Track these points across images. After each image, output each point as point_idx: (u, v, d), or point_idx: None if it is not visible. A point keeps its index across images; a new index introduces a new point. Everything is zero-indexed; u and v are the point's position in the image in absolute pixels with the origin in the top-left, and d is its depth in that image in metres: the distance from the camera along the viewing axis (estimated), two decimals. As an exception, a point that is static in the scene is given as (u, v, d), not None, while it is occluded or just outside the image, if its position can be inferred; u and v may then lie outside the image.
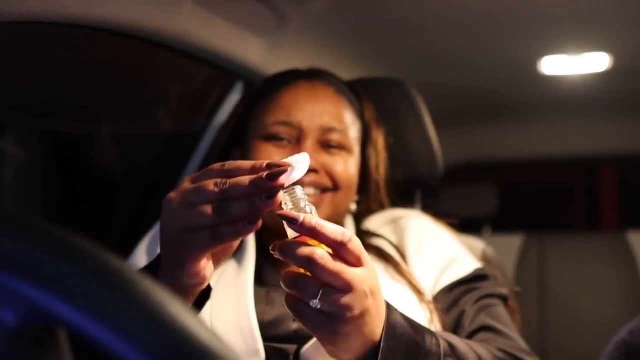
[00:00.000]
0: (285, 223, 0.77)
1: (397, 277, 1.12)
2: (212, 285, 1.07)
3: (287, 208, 0.80)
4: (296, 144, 1.17)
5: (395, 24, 1.74)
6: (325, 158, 1.17)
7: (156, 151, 2.06)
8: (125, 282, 0.40)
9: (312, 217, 0.77)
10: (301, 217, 0.76)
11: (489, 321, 1.09)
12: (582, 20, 1.78)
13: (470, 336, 1.08)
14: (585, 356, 1.78)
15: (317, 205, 1.13)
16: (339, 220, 1.21)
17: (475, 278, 1.17)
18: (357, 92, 1.29)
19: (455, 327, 1.11)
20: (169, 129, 2.10)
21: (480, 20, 1.75)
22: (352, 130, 1.21)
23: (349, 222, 1.24)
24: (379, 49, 1.92)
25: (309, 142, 1.16)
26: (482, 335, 1.08)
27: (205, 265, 0.79)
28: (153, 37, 1.31)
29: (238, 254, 1.14)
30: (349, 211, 1.25)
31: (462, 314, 1.11)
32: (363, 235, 1.21)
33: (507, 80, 2.29)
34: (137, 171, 2.01)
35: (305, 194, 0.81)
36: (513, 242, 2.75)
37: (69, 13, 1.10)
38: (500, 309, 1.15)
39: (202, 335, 0.39)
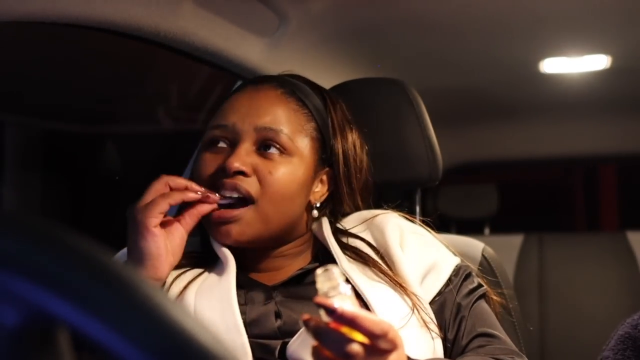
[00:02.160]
0: (321, 310, 0.79)
1: (376, 276, 1.12)
2: (196, 288, 1.08)
3: (323, 290, 0.79)
4: (231, 149, 1.10)
5: (395, 24, 1.74)
6: (259, 161, 1.09)
7: (157, 150, 2.06)
8: (126, 282, 0.40)
9: (350, 307, 0.78)
10: (339, 308, 0.77)
11: (480, 329, 1.12)
12: (582, 23, 1.78)
13: (466, 346, 1.11)
14: (585, 356, 1.78)
15: (240, 219, 1.07)
16: (280, 230, 1.13)
17: (455, 278, 1.17)
18: (325, 98, 1.22)
19: (443, 328, 1.13)
20: (170, 128, 2.10)
21: (481, 22, 1.74)
22: (302, 133, 1.14)
23: (325, 224, 1.20)
24: (379, 49, 1.91)
25: (243, 145, 1.09)
26: (477, 341, 1.11)
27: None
28: (153, 37, 1.31)
29: (217, 263, 1.13)
30: (305, 219, 1.17)
31: (451, 322, 1.13)
32: (339, 235, 1.20)
33: (507, 81, 2.29)
34: (138, 170, 2.01)
35: (342, 275, 0.80)
36: (513, 242, 2.74)
37: (69, 13, 1.10)
38: (483, 305, 1.17)
39: (204, 337, 0.40)
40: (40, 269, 0.40)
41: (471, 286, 1.17)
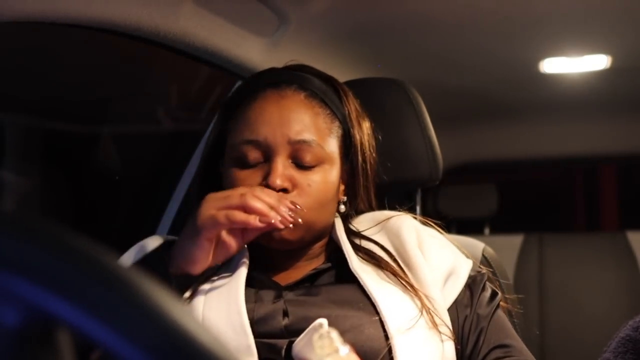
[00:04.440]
0: None
1: (387, 278, 1.11)
2: (207, 288, 1.07)
3: (322, 355, 0.78)
4: (265, 163, 1.09)
5: (395, 24, 1.74)
6: (296, 174, 1.09)
7: (157, 150, 2.06)
8: (126, 282, 0.40)
9: None
10: None
11: (498, 341, 1.11)
12: (582, 23, 1.78)
13: (484, 358, 1.10)
14: (585, 355, 1.78)
15: (290, 233, 1.08)
16: (320, 231, 1.15)
17: (475, 288, 1.16)
18: (338, 90, 1.21)
19: (461, 338, 1.12)
20: (170, 128, 2.10)
21: (481, 22, 1.75)
22: (330, 136, 1.14)
23: (338, 223, 1.20)
24: (379, 49, 1.92)
25: (279, 159, 1.08)
26: (494, 353, 1.10)
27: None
28: (153, 37, 1.31)
29: (231, 262, 1.13)
30: (333, 215, 1.19)
31: (468, 334, 1.12)
32: (352, 236, 1.19)
33: (507, 81, 2.30)
34: (137, 170, 2.01)
35: (340, 338, 0.79)
36: (513, 242, 2.75)
37: (69, 13, 1.10)
38: (500, 314, 1.16)
39: (204, 337, 0.39)
40: (40, 269, 0.40)
41: (487, 294, 1.16)
